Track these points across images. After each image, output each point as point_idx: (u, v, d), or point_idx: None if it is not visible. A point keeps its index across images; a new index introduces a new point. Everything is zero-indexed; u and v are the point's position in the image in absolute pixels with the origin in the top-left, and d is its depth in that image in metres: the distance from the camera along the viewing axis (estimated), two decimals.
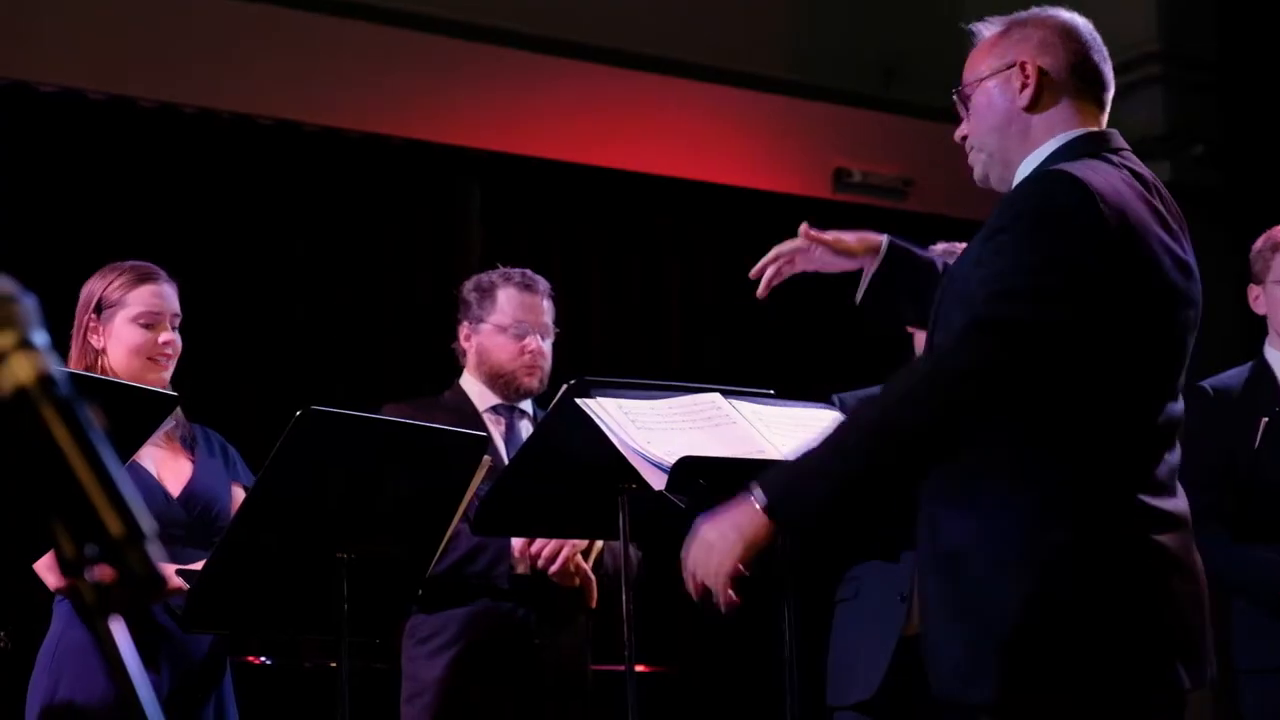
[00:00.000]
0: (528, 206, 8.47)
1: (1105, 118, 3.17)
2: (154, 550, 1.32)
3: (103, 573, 1.33)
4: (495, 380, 4.88)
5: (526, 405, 4.93)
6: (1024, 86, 3.10)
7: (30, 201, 7.07)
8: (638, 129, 8.63)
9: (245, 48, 7.62)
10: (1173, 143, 8.78)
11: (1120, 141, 3.12)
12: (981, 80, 3.15)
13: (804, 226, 3.51)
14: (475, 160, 8.26)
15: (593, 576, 4.71)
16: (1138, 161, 3.10)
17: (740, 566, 2.90)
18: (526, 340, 4.85)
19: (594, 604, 4.75)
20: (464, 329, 4.94)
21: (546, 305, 4.94)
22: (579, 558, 4.66)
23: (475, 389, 4.90)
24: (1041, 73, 3.10)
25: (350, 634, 3.92)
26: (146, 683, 1.34)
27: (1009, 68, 3.12)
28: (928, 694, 4.75)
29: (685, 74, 8.77)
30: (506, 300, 4.89)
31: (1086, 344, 2.85)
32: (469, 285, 4.97)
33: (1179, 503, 2.98)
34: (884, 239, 3.51)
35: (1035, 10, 3.21)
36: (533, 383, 4.88)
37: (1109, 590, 2.86)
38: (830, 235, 3.51)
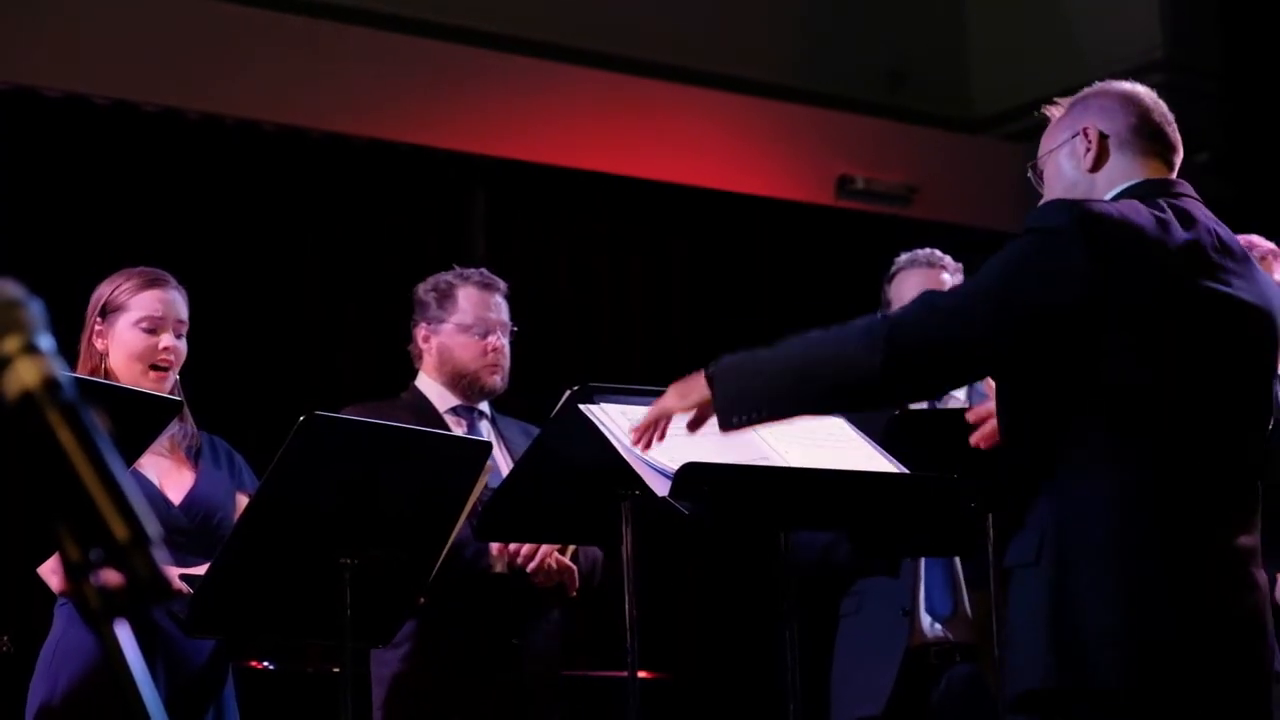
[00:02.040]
0: (532, 212, 8.47)
1: (1173, 174, 3.30)
2: (158, 554, 1.32)
3: (107, 577, 1.33)
4: (458, 381, 4.86)
5: (485, 406, 4.92)
6: (1087, 150, 3.25)
7: (35, 207, 7.08)
8: (642, 135, 8.64)
9: (250, 53, 7.63)
10: None
11: (1182, 187, 3.24)
12: (1051, 152, 3.31)
13: None
14: (479, 166, 8.27)
15: (572, 566, 4.71)
16: (1195, 205, 3.20)
17: (670, 413, 3.29)
18: (489, 339, 4.85)
19: (574, 593, 4.74)
20: (421, 330, 4.91)
21: (504, 304, 4.94)
22: (556, 554, 4.66)
23: (434, 390, 4.88)
24: (1103, 136, 3.25)
25: (353, 639, 3.92)
26: (151, 687, 1.34)
27: (1074, 137, 3.27)
28: (935, 707, 4.78)
29: (689, 80, 8.78)
30: (467, 299, 4.88)
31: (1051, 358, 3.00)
32: (425, 286, 4.95)
33: (1230, 533, 3.05)
34: None
35: (1099, 84, 3.36)
36: (496, 381, 4.87)
37: (1191, 589, 2.97)
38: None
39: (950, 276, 5.01)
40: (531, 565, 4.60)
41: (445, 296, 4.89)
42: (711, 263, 8.93)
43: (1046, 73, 8.15)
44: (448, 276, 4.94)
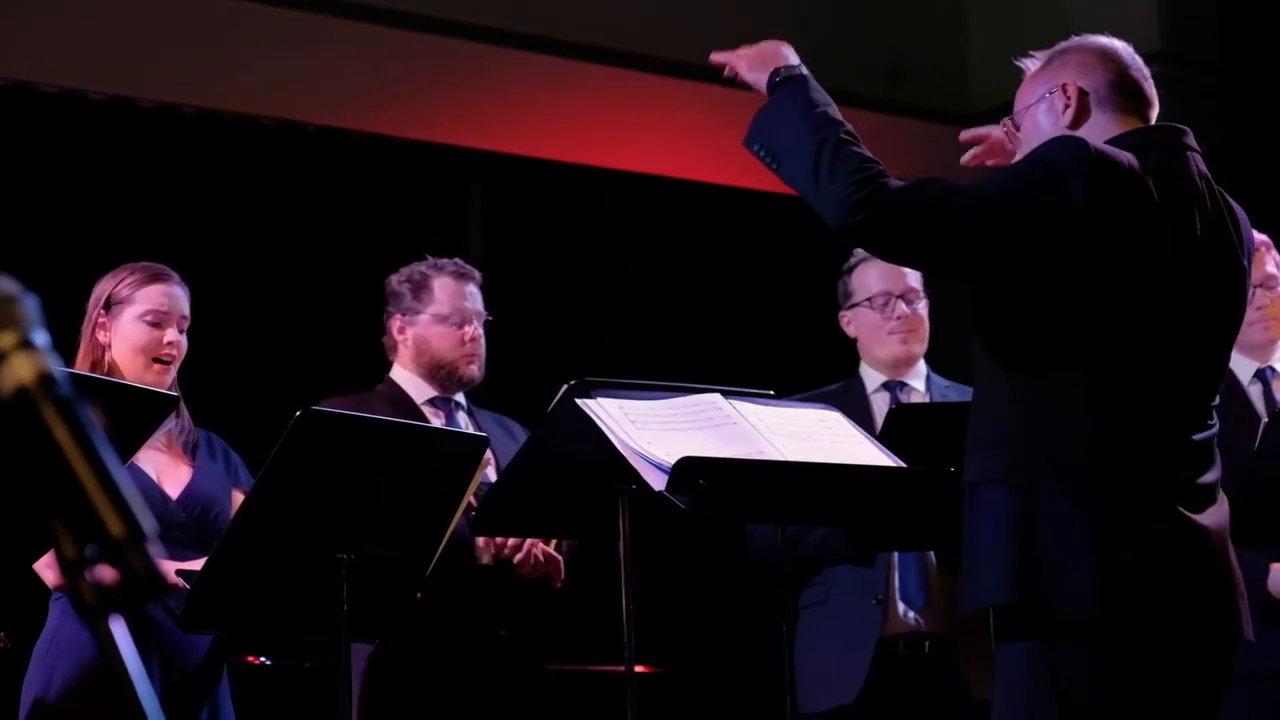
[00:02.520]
0: (529, 207, 8.48)
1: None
2: (154, 550, 1.33)
3: (103, 573, 1.33)
4: (435, 372, 4.86)
5: (460, 398, 4.92)
6: (1066, 106, 3.28)
7: (32, 202, 7.08)
8: (640, 130, 8.64)
9: (247, 48, 7.63)
10: None
11: (1189, 139, 3.27)
12: (1029, 107, 3.34)
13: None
14: (477, 161, 8.27)
15: (558, 557, 4.71)
16: (1189, 155, 3.24)
17: (736, 73, 3.72)
18: (466, 329, 4.85)
19: (559, 584, 4.74)
20: (396, 321, 4.90)
21: (478, 292, 4.94)
22: (541, 545, 4.66)
23: (410, 382, 4.87)
24: (1081, 92, 3.28)
25: (349, 635, 3.92)
26: (147, 683, 1.34)
27: (1052, 93, 3.30)
28: (908, 696, 4.79)
29: (688, 75, 8.76)
30: (443, 290, 4.87)
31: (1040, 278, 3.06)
32: (398, 277, 4.94)
33: (1192, 465, 3.11)
34: None
35: (1075, 39, 3.39)
36: (473, 371, 4.87)
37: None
38: None
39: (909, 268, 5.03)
40: (519, 557, 4.61)
41: (420, 287, 4.88)
42: (710, 257, 8.93)
43: None
44: (421, 267, 4.94)
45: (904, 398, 4.98)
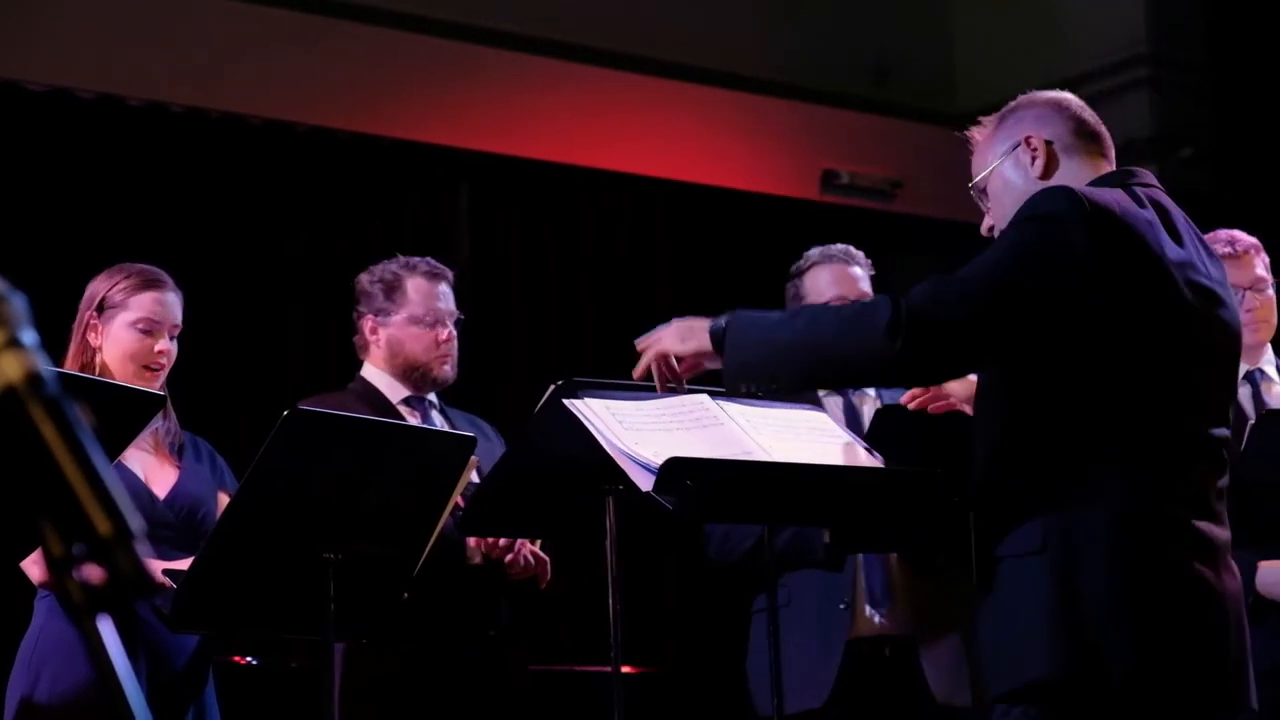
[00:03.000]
0: (516, 207, 8.47)
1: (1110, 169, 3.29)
2: (141, 549, 1.32)
3: (90, 572, 1.33)
4: (409, 373, 4.84)
5: (433, 397, 4.91)
6: (1034, 158, 3.23)
7: (19, 200, 7.06)
8: (625, 130, 8.64)
9: (235, 47, 7.62)
10: (1161, 145, 8.79)
11: (1144, 176, 3.23)
12: (994, 169, 3.28)
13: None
14: (464, 160, 8.26)
15: (545, 557, 4.71)
16: (1159, 193, 3.20)
17: (672, 357, 3.33)
18: (439, 330, 4.83)
19: (545, 585, 4.74)
20: (368, 322, 4.87)
21: (451, 292, 4.92)
22: (529, 543, 4.66)
23: (383, 381, 4.85)
24: (1047, 142, 3.23)
25: (336, 635, 3.92)
26: (134, 682, 1.34)
27: (1015, 148, 3.25)
28: (878, 699, 4.80)
29: (673, 75, 8.77)
30: (416, 290, 4.84)
31: (1063, 346, 2.99)
32: (370, 277, 4.91)
33: (1216, 528, 3.08)
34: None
35: (1021, 97, 3.35)
36: (447, 371, 4.86)
37: (1139, 621, 2.96)
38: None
39: (862, 271, 5.03)
40: (509, 557, 4.60)
41: (392, 288, 4.85)
42: (696, 257, 8.93)
43: (1031, 68, 8.15)
44: (393, 266, 4.90)
45: (856, 401, 5.00)
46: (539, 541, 4.71)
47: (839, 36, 9.37)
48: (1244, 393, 4.81)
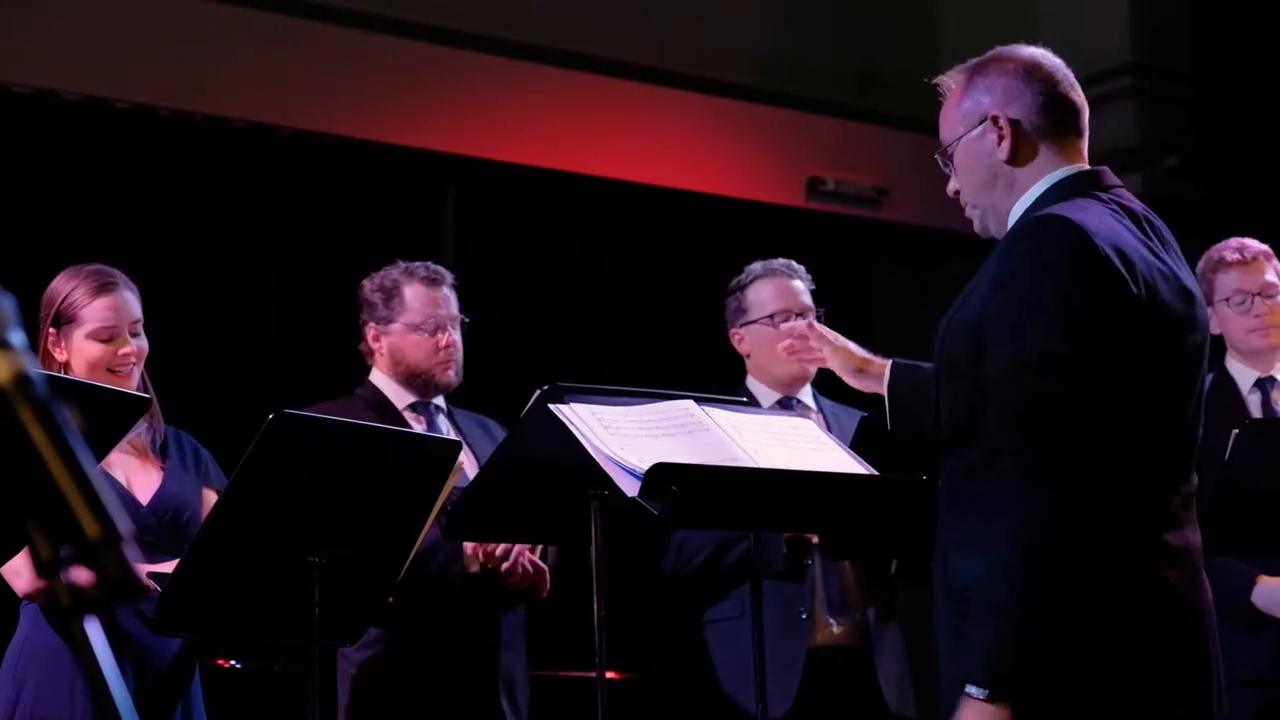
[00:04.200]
0: (502, 212, 8.47)
1: (1085, 141, 3.20)
2: (130, 551, 1.32)
3: (78, 574, 1.32)
4: (412, 379, 4.84)
5: (440, 401, 4.91)
6: (1000, 139, 3.13)
7: (4, 203, 7.05)
8: (612, 136, 8.64)
9: (221, 50, 7.61)
10: (1146, 155, 8.81)
11: (1110, 179, 3.16)
12: (959, 139, 3.19)
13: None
14: (450, 165, 8.26)
15: (544, 566, 4.71)
16: (1128, 196, 3.15)
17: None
18: (439, 336, 4.82)
19: (544, 594, 4.74)
20: (371, 330, 4.87)
21: (452, 295, 4.90)
22: (528, 553, 4.65)
23: (390, 387, 4.85)
24: (1014, 123, 3.13)
25: (320, 638, 3.91)
26: (122, 685, 1.34)
27: (981, 123, 3.15)
28: (841, 705, 4.82)
29: (660, 81, 8.78)
30: (415, 297, 4.83)
31: (1098, 386, 2.88)
32: (370, 285, 4.89)
33: (1188, 535, 3.02)
34: (888, 366, 3.62)
35: (995, 52, 3.23)
36: (450, 377, 4.85)
37: (1105, 626, 2.89)
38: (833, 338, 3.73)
39: (803, 284, 5.04)
40: (506, 565, 4.60)
41: (391, 295, 4.83)
42: (682, 263, 8.93)
43: None
44: (393, 273, 4.88)
45: (800, 415, 5.02)
46: (538, 551, 4.71)
47: (825, 44, 9.37)
48: (1254, 400, 4.83)
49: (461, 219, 8.37)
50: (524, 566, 4.63)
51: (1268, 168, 8.57)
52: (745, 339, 5.10)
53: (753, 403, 4.92)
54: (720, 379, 6.30)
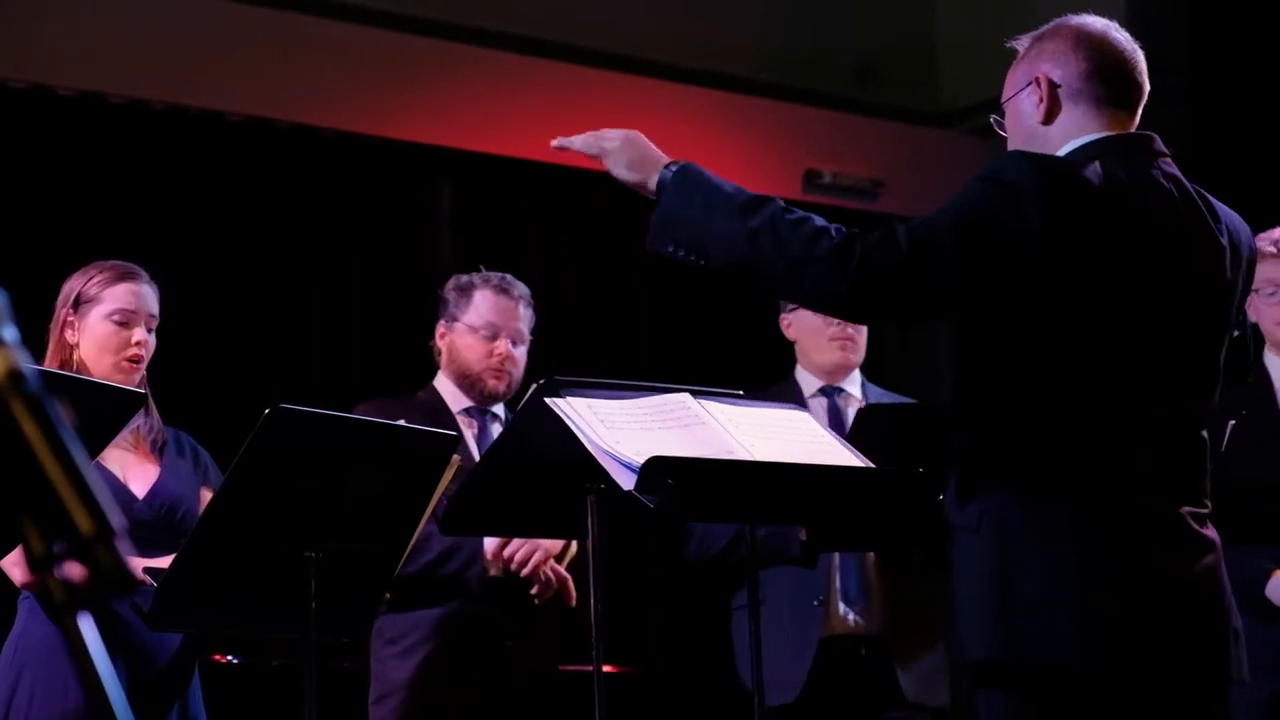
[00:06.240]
0: (498, 205, 8.46)
1: (1136, 118, 3.22)
2: (123, 546, 1.32)
3: (71, 569, 1.32)
4: (464, 381, 4.87)
5: (499, 409, 4.92)
6: (1040, 101, 3.16)
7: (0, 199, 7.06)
8: (608, 128, 8.62)
9: (216, 44, 7.61)
10: None
11: (1156, 145, 3.16)
12: (1009, 100, 3.22)
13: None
14: (446, 159, 8.25)
15: (567, 576, 4.71)
16: (1170, 165, 3.15)
17: (605, 159, 3.48)
18: (496, 343, 4.84)
19: (572, 603, 4.75)
20: (440, 327, 4.94)
21: (522, 311, 4.92)
22: (552, 562, 4.66)
23: (449, 390, 4.89)
24: (1053, 85, 3.15)
25: (318, 633, 3.91)
26: (116, 681, 1.34)
27: (1029, 84, 3.18)
28: (851, 696, 4.83)
29: (656, 74, 8.77)
30: (482, 301, 4.88)
31: (1024, 323, 2.94)
32: (450, 284, 4.98)
33: (1179, 508, 3.01)
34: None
35: (1059, 20, 3.25)
36: (499, 386, 4.86)
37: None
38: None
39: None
40: (526, 570, 4.60)
41: (463, 296, 4.91)
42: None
43: None
44: (471, 276, 4.98)
45: (841, 403, 5.03)
46: (566, 559, 4.72)
47: (822, 36, 9.37)
48: None
49: (458, 212, 8.37)
50: (546, 575, 4.64)
51: (1262, 160, 8.56)
52: (792, 325, 5.12)
53: (798, 391, 4.95)
54: (719, 375, 6.30)
